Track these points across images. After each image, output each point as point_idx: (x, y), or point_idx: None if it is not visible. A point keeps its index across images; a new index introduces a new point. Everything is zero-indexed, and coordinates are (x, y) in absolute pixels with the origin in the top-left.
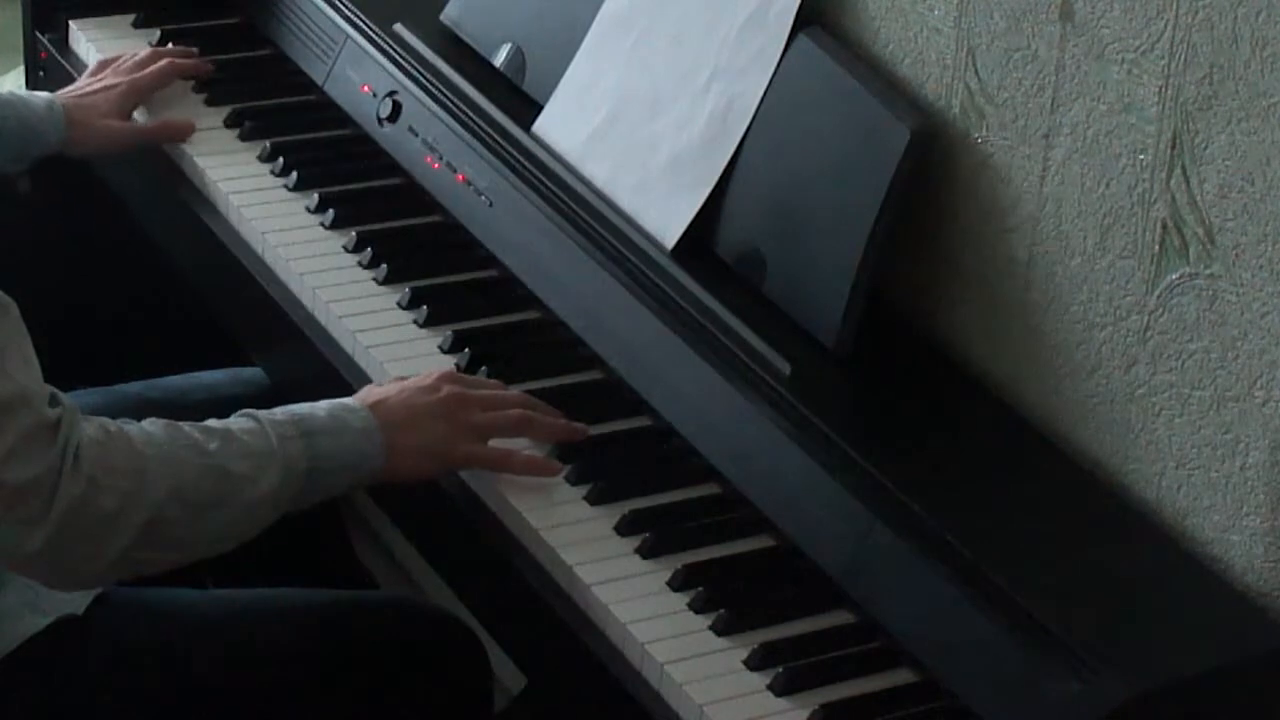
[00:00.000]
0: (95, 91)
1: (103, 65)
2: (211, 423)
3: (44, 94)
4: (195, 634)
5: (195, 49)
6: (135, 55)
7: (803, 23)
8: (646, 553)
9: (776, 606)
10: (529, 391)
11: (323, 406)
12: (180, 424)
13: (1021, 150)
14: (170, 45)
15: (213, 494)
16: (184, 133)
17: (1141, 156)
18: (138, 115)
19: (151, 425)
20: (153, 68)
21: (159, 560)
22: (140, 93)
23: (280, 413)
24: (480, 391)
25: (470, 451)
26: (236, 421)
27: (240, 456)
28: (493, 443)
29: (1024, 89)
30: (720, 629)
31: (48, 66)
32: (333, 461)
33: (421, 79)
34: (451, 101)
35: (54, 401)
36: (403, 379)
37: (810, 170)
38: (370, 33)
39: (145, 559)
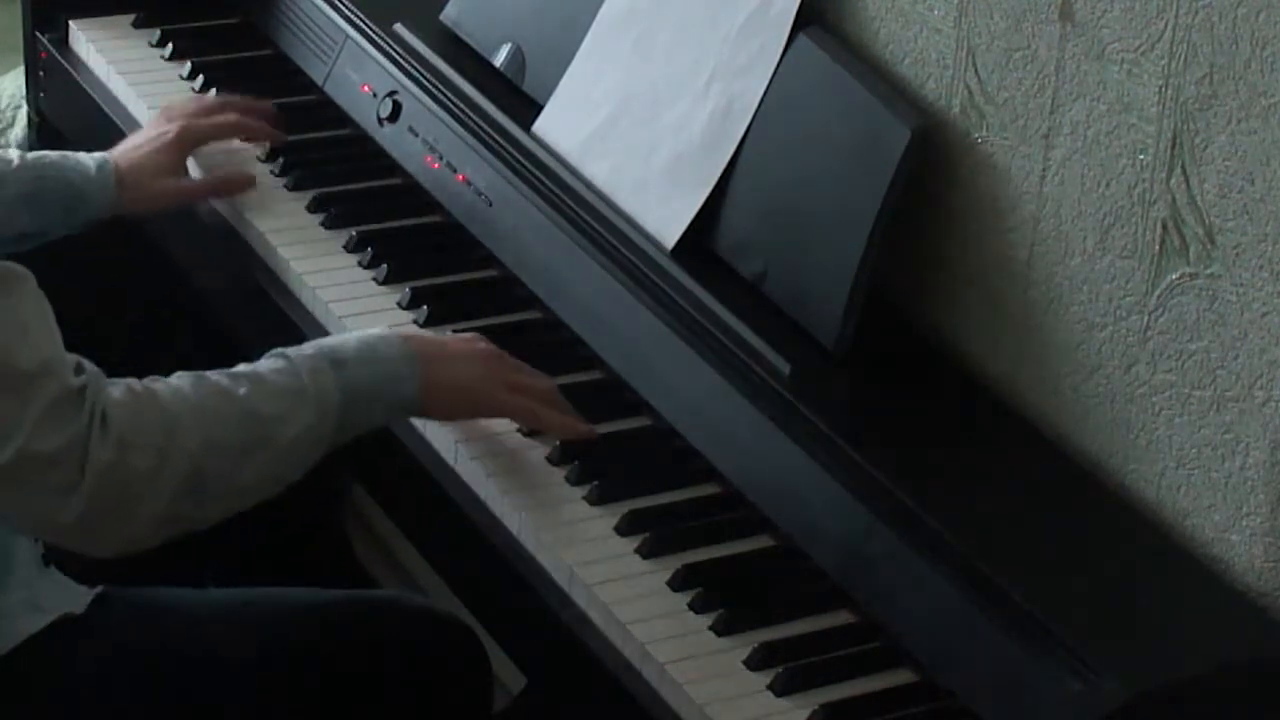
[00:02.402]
0: (145, 143)
1: (167, 114)
2: (241, 367)
3: (98, 155)
4: (195, 633)
5: (271, 106)
6: (201, 100)
7: (803, 23)
8: (646, 553)
9: (776, 606)
10: None
11: (352, 337)
12: (207, 373)
13: (1021, 150)
14: (237, 96)
15: (248, 439)
16: (241, 186)
17: (1141, 156)
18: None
19: (179, 379)
20: (216, 119)
21: (208, 513)
22: (193, 141)
23: (309, 347)
24: (513, 360)
25: (505, 400)
26: (266, 363)
27: (271, 397)
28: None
29: (1024, 89)
30: (720, 629)
31: (48, 66)
32: (366, 390)
33: (421, 79)
34: (451, 101)
35: (79, 370)
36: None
37: (810, 170)
38: (370, 33)
39: (193, 514)
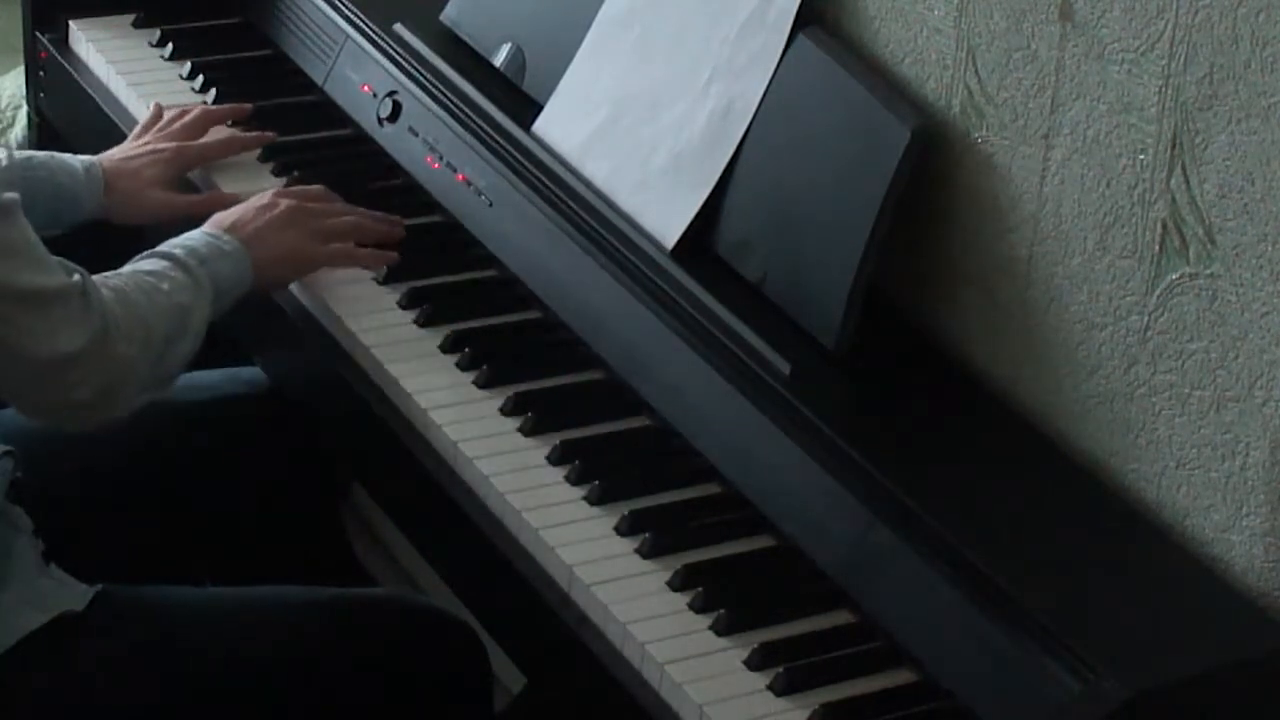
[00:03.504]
0: (140, 155)
1: (153, 121)
2: (144, 264)
3: (84, 157)
4: (194, 632)
5: (249, 106)
6: (183, 116)
7: (803, 23)
8: (646, 553)
9: (776, 606)
10: (529, 392)
11: (195, 238)
12: (133, 271)
13: (1021, 150)
14: (220, 104)
15: (178, 328)
16: (228, 205)
17: (1141, 156)
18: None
19: (118, 278)
20: (212, 140)
21: (152, 396)
22: (189, 163)
23: (176, 250)
24: (314, 204)
25: (320, 253)
26: (155, 262)
27: (182, 290)
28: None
29: (1024, 89)
30: (720, 629)
31: (48, 66)
32: (224, 282)
33: (421, 79)
34: (451, 101)
35: (68, 271)
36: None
37: (810, 170)
38: (370, 33)
39: (148, 397)
